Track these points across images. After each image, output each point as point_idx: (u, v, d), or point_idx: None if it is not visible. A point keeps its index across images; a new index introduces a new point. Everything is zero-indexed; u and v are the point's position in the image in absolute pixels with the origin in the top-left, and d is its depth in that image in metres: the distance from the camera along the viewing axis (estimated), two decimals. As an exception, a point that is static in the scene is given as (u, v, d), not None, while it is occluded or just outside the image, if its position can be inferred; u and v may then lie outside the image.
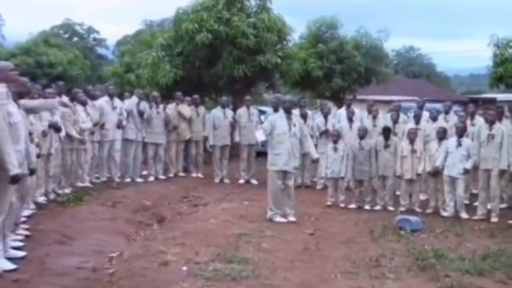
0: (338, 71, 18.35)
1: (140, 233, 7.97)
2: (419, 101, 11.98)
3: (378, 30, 18.99)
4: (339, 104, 17.53)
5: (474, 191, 10.28)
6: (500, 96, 25.12)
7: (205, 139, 12.83)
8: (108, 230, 7.76)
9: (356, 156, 10.10)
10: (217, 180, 12.49)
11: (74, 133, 9.77)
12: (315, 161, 9.74)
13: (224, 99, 12.86)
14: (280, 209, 8.66)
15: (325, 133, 11.75)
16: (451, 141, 9.63)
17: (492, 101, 24.19)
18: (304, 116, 11.00)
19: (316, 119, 12.34)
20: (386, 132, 10.15)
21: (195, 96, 13.13)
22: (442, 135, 9.83)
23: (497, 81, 17.22)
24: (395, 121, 11.05)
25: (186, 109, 12.73)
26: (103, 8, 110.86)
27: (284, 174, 8.65)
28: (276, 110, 11.84)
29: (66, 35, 50.00)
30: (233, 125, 12.58)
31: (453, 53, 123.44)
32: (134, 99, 11.95)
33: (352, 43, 18.78)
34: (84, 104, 10.53)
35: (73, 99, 10.40)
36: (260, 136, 9.23)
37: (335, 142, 10.31)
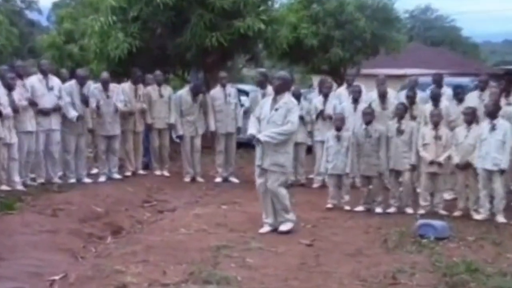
0: (337, 39, 18.35)
1: (90, 249, 7.89)
2: (436, 76, 11.96)
3: (387, -14, 19.06)
4: (339, 80, 17.57)
5: (514, 188, 10.35)
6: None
7: (171, 127, 12.78)
8: (48, 246, 7.66)
9: (362, 146, 10.11)
10: (187, 179, 12.46)
11: None
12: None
13: (195, 84, 12.73)
14: (267, 217, 8.60)
15: (321, 115, 11.79)
16: (483, 125, 9.65)
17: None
18: (297, 96, 10.98)
19: (313, 99, 12.33)
20: (400, 110, 10.14)
21: (158, 72, 13.05)
22: (471, 117, 9.82)
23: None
24: (412, 101, 11.04)
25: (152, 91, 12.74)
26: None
27: (265, 172, 8.53)
28: (262, 87, 11.83)
29: (-14, -3, 49.40)
30: (205, 109, 12.51)
31: (483, 13, 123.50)
32: (74, 83, 11.75)
33: (354, 3, 18.81)
34: (10, 88, 10.40)
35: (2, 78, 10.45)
36: (252, 129, 8.65)
37: (338, 129, 10.29)
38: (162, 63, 14.47)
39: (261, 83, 12.06)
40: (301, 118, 10.75)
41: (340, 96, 12.24)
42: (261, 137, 8.29)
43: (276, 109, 8.36)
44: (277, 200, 8.50)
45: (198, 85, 12.73)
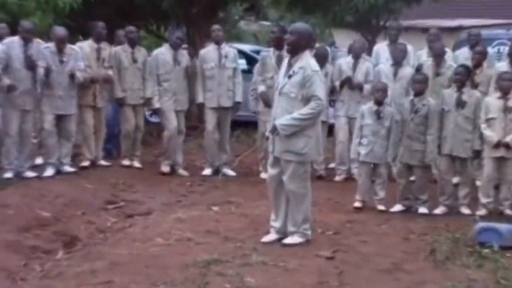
0: (366, -21, 18.28)
1: (33, 267, 7.87)
2: None
3: None
4: (369, 36, 17.53)
5: None
6: None
7: (146, 102, 12.83)
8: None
9: (404, 124, 10.13)
10: (165, 169, 12.53)
11: None
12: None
13: (177, 37, 12.68)
14: (276, 219, 8.59)
15: (346, 83, 11.81)
16: None
17: None
18: (322, 58, 10.88)
19: (339, 60, 12.35)
20: (462, 75, 10.06)
21: (131, 28, 13.00)
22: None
23: None
24: (480, 62, 11.00)
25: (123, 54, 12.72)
26: None
27: (277, 160, 8.41)
28: (278, 47, 11.66)
29: None
30: (190, 76, 12.51)
31: None
32: (16, 40, 11.71)
33: None
34: None
35: None
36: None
37: (379, 102, 10.27)
38: (129, 16, 14.39)
39: (278, 41, 11.62)
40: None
41: (378, 56, 12.39)
42: (278, 125, 8.09)
43: (290, 76, 8.19)
44: (295, 201, 8.38)
45: (179, 37, 12.68)
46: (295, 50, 8.26)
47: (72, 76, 11.78)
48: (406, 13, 19.74)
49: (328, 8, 18.91)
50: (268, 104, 11.11)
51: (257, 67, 12.36)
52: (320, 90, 8.16)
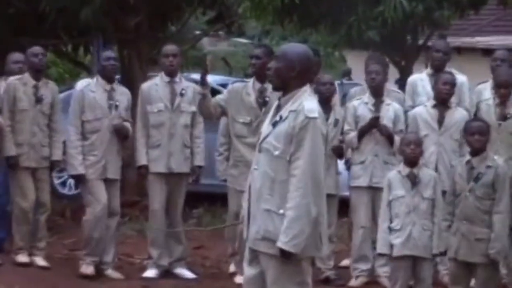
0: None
1: None
2: None
3: None
4: (402, 61, 17.61)
5: None
6: None
7: (54, 163, 12.87)
8: None
9: (459, 199, 10.03)
10: (87, 269, 12.38)
11: None
12: None
13: (106, 58, 12.62)
14: None
15: (372, 127, 11.74)
16: None
17: None
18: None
19: (353, 101, 12.37)
20: None
21: (35, 49, 12.87)
22: None
23: None
24: None
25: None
26: None
27: (254, 254, 8.08)
28: (261, 78, 11.50)
29: None
30: (119, 126, 12.44)
31: None
32: None
33: None
34: None
35: None
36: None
37: (412, 163, 10.20)
38: (29, 32, 14.43)
39: (261, 69, 11.01)
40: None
41: (415, 93, 12.42)
42: (281, 244, 7.59)
43: (275, 124, 7.85)
44: None
45: (110, 57, 12.53)
46: (281, 85, 7.91)
47: None
48: (458, 27, 19.84)
49: (339, 19, 18.88)
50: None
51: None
52: (307, 148, 7.64)
